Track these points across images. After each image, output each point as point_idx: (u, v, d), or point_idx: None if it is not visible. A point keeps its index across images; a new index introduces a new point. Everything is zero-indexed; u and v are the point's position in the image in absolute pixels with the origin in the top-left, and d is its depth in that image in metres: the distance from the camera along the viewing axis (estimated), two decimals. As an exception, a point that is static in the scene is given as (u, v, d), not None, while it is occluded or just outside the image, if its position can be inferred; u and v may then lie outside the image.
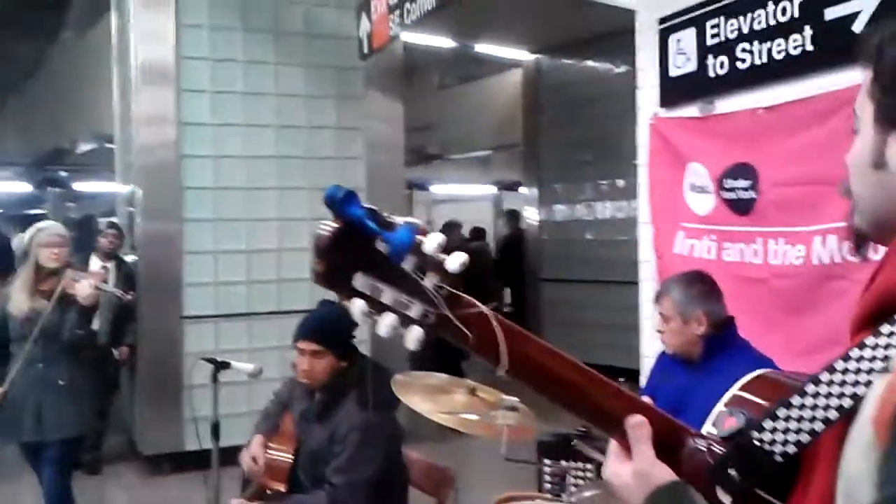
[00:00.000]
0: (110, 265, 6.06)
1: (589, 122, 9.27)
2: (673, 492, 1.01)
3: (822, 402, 0.95)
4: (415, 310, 0.91)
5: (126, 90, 6.56)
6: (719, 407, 1.12)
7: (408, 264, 0.90)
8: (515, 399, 2.86)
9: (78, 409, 4.06)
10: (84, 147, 11.42)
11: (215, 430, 3.21)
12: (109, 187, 10.87)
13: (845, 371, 0.93)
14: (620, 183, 9.07)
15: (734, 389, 1.14)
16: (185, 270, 6.03)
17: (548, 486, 3.61)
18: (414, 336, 0.91)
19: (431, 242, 0.89)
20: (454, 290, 0.91)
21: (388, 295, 0.90)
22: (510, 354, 0.95)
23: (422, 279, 0.90)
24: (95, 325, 5.85)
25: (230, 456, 3.24)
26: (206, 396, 3.42)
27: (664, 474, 1.01)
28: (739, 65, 3.51)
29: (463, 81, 12.98)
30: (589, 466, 3.59)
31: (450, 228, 9.57)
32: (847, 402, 0.93)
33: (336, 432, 2.93)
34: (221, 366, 3.24)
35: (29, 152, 12.87)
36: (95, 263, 5.98)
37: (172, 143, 5.99)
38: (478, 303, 0.93)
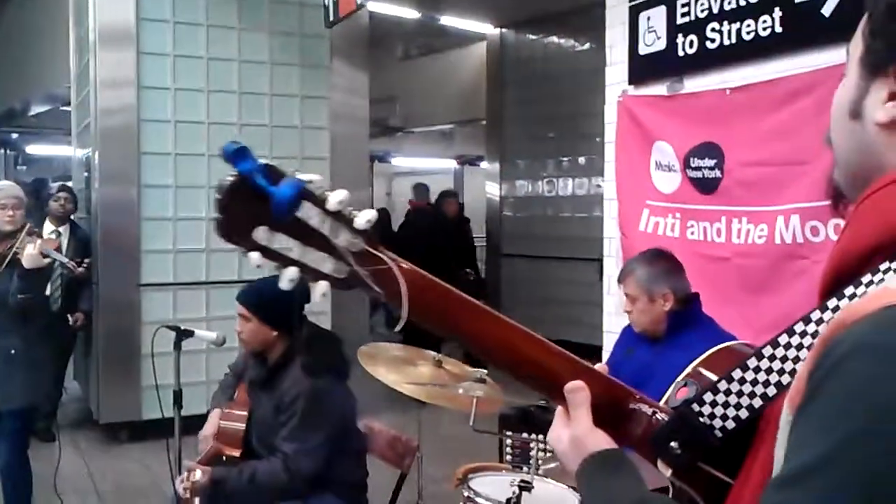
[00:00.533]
0: (63, 229, 5.94)
1: (553, 99, 9.28)
2: (607, 460, 0.98)
3: (762, 376, 0.92)
4: (326, 265, 0.94)
5: (83, 51, 6.39)
6: (679, 378, 1.11)
7: (316, 220, 0.92)
8: (483, 371, 2.88)
9: (32, 379, 3.86)
10: (37, 109, 11.12)
11: (177, 399, 3.17)
12: (64, 151, 10.63)
13: (788, 346, 0.91)
14: (582, 160, 9.12)
15: (696, 361, 1.13)
16: (143, 237, 5.93)
17: (509, 457, 3.65)
18: (319, 290, 0.94)
19: (334, 199, 0.92)
20: (367, 247, 0.94)
21: (296, 250, 0.93)
22: (418, 308, 0.96)
23: (333, 236, 0.93)
24: (47, 290, 5.76)
25: (189, 425, 3.22)
26: (164, 365, 3.39)
27: (599, 441, 0.99)
28: (709, 44, 3.54)
29: (426, 53, 12.89)
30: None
31: (419, 191, 9.57)
32: (786, 379, 0.90)
33: (282, 400, 2.97)
34: (184, 334, 3.20)
35: (-21, 113, 12.50)
36: (48, 228, 5.87)
37: (132, 106, 5.86)
38: (388, 258, 0.95)
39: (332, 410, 2.99)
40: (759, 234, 3.31)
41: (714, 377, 1.01)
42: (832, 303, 0.83)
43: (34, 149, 13.42)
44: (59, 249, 4.23)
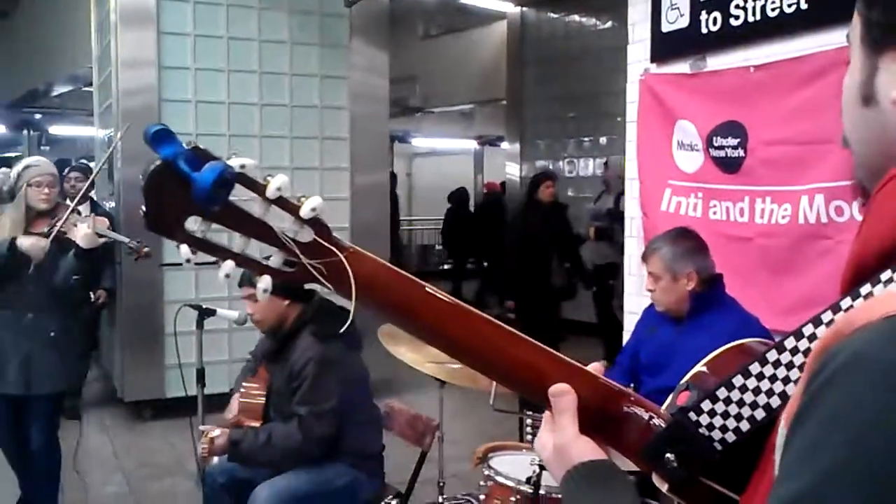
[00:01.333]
0: (83, 208, 5.97)
1: (574, 78, 9.22)
2: (594, 472, 0.88)
3: (765, 385, 0.82)
4: (273, 258, 0.87)
5: (105, 32, 6.42)
6: (682, 381, 0.99)
7: (257, 209, 0.84)
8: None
9: (67, 362, 3.82)
10: (60, 89, 11.20)
11: (200, 377, 3.20)
12: (87, 131, 10.71)
13: (795, 350, 0.81)
14: (603, 140, 9.07)
15: (703, 361, 1.02)
16: (166, 217, 5.96)
17: (530, 437, 3.66)
18: (263, 285, 0.87)
19: (274, 185, 0.83)
20: (317, 237, 0.86)
21: (237, 241, 0.86)
22: (377, 304, 0.90)
23: (275, 225, 0.85)
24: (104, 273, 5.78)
25: (211, 403, 3.26)
26: (186, 344, 3.43)
27: (584, 451, 0.89)
28: (732, 21, 3.49)
29: (447, 33, 12.82)
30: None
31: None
32: (791, 388, 0.80)
33: (294, 367, 3.03)
34: (206, 313, 3.23)
35: (4, 94, 12.60)
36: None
37: (153, 87, 5.88)
38: (339, 248, 0.87)
39: (342, 376, 3.04)
40: (782, 214, 3.28)
41: (716, 378, 0.91)
42: (846, 303, 0.73)
43: (57, 129, 13.52)
44: (111, 228, 4.06)
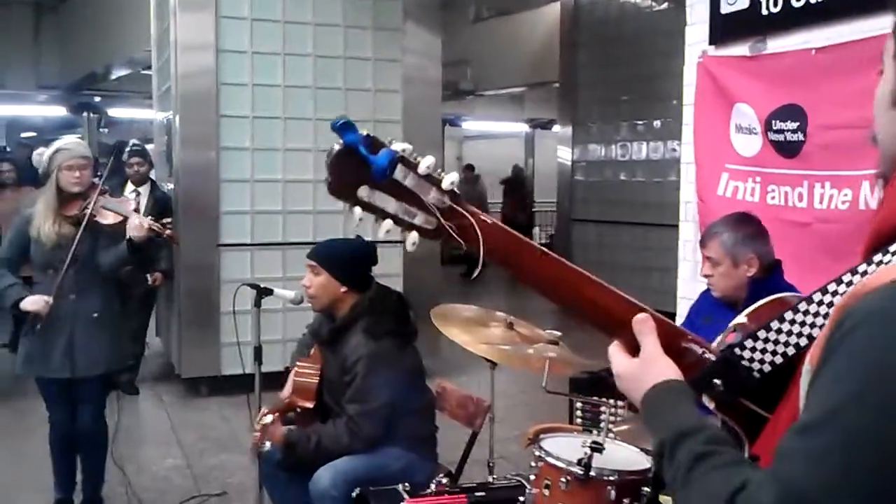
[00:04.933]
0: (143, 189, 6.12)
1: (628, 61, 9.12)
2: (682, 388, 1.04)
3: (796, 328, 1.06)
4: (417, 218, 1.11)
5: (164, 15, 6.53)
6: (731, 323, 1.23)
7: (409, 181, 1.10)
8: (557, 333, 2.89)
9: (112, 344, 3.81)
10: (118, 72, 11.43)
11: (258, 354, 3.27)
12: (145, 114, 10.92)
13: (820, 303, 1.04)
14: (657, 123, 8.96)
15: (749, 309, 1.25)
16: (222, 199, 6.08)
17: (580, 420, 3.67)
18: (411, 239, 1.12)
19: (424, 164, 1.10)
20: (452, 203, 1.11)
21: (391, 205, 1.11)
22: (493, 255, 1.13)
23: (424, 194, 1.11)
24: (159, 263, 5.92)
25: (265, 381, 3.32)
26: (242, 323, 3.50)
27: (668, 367, 1.06)
28: (794, 2, 3.42)
29: (499, 15, 12.76)
30: (621, 403, 3.63)
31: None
32: (816, 332, 1.03)
33: (346, 362, 3.06)
34: (264, 292, 3.29)
35: (65, 76, 12.90)
36: (128, 189, 6.05)
37: (211, 70, 5.98)
38: (469, 213, 1.11)
39: (393, 374, 3.06)
40: (842, 200, 3.21)
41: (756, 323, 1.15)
42: (862, 267, 0.94)
43: (116, 112, 13.81)
44: (137, 210, 3.98)
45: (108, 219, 3.69)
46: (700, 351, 1.12)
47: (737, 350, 1.09)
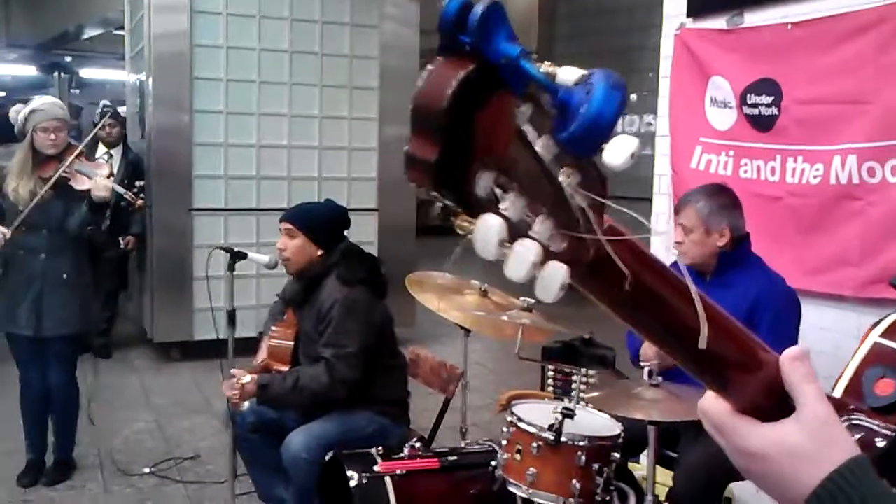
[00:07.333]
0: (115, 151, 6.04)
1: (606, 34, 9.11)
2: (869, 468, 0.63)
3: None
4: (553, 238, 0.55)
5: (137, -25, 6.42)
6: (856, 361, 0.84)
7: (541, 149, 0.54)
8: (531, 300, 2.92)
9: (82, 305, 3.79)
10: (91, 32, 11.23)
11: (231, 319, 3.27)
12: (117, 75, 10.74)
13: None
14: (634, 97, 8.97)
15: (874, 337, 0.86)
16: (195, 163, 6.02)
17: (551, 388, 3.72)
18: (558, 276, 0.54)
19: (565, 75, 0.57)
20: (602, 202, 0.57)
21: (514, 205, 0.54)
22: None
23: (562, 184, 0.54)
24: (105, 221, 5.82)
25: (238, 346, 3.32)
26: (215, 288, 3.49)
27: (848, 438, 0.65)
28: (772, -23, 3.44)
29: (478, -16, 12.67)
30: (592, 372, 3.68)
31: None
32: None
33: (321, 310, 3.09)
34: (237, 256, 3.28)
35: (35, 35, 12.64)
36: (101, 151, 5.97)
37: (185, 31, 5.89)
38: (617, 227, 0.60)
39: (367, 320, 3.09)
40: (814, 174, 3.26)
41: None
42: None
43: (88, 72, 13.59)
44: (111, 175, 3.88)
45: (82, 184, 3.65)
46: (867, 423, 0.76)
47: None
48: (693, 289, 0.62)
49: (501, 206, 0.53)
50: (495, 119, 0.51)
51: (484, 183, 0.52)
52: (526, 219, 0.54)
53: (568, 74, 0.56)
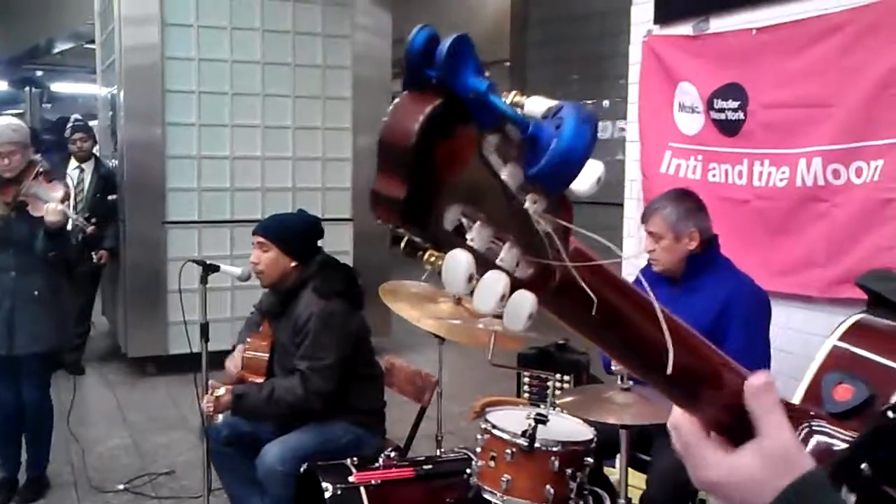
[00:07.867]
0: (87, 165, 6.01)
1: (578, 41, 9.16)
2: (824, 481, 0.65)
3: None
4: (520, 265, 0.56)
5: (107, -12, 6.38)
6: (815, 366, 0.85)
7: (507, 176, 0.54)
8: (503, 307, 2.92)
9: (54, 321, 3.76)
10: (61, 46, 11.15)
11: (204, 332, 3.25)
12: (89, 89, 10.67)
13: None
14: (606, 103, 9.03)
15: (833, 340, 0.87)
16: (168, 175, 5.99)
17: (527, 395, 3.73)
18: (526, 305, 0.55)
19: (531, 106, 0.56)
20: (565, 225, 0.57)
21: (481, 235, 0.54)
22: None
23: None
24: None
25: (213, 360, 3.31)
26: (190, 301, 3.47)
27: (805, 455, 0.66)
28: (736, -17, 3.49)
29: (450, -7, 12.72)
30: (567, 378, 3.70)
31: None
32: None
33: (298, 321, 3.07)
34: (210, 268, 3.26)
35: (5, 49, 12.53)
36: (72, 165, 5.94)
37: (156, 44, 5.86)
38: (586, 249, 0.61)
39: (344, 332, 3.08)
40: (780, 177, 3.30)
41: (884, 361, 0.80)
42: None
43: (59, 87, 13.49)
44: (67, 198, 3.68)
45: (38, 210, 3.56)
46: (827, 430, 0.76)
47: (890, 413, 0.75)
48: (659, 312, 0.63)
49: (468, 236, 0.53)
50: (460, 150, 0.51)
51: (451, 216, 0.52)
52: (493, 246, 0.54)
53: (535, 105, 0.55)
